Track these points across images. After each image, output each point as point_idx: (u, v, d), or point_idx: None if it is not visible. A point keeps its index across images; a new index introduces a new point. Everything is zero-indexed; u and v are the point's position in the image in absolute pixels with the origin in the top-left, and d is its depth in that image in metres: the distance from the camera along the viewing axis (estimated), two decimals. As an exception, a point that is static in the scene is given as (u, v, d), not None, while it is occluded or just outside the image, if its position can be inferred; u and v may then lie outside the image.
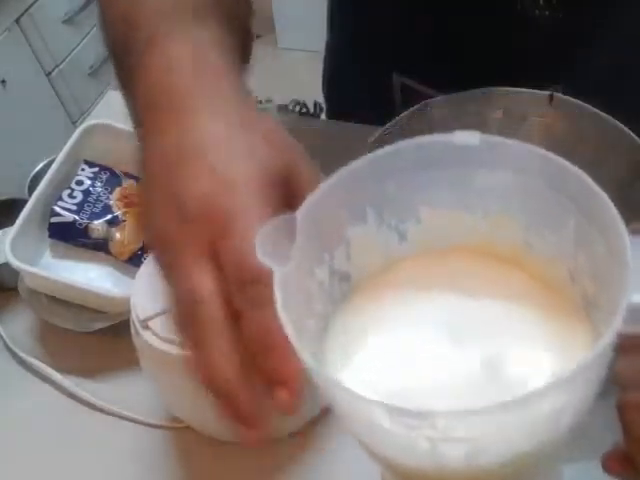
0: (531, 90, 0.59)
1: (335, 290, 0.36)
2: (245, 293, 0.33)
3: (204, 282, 0.33)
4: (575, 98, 0.58)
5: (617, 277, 0.28)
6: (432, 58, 0.67)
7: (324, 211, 0.33)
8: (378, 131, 0.59)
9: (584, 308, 0.34)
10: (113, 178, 0.66)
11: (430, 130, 0.64)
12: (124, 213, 0.64)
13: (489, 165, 0.33)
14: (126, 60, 0.43)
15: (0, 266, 0.62)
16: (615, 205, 0.62)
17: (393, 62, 0.73)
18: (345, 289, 0.37)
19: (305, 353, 0.28)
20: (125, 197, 0.65)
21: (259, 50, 2.63)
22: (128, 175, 0.67)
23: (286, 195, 0.37)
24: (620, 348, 0.28)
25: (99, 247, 0.63)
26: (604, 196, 0.31)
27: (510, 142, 0.33)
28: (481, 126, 0.62)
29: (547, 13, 0.62)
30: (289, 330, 0.28)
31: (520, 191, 0.34)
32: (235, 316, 0.33)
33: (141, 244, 0.62)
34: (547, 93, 0.59)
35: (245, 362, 0.33)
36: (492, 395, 0.28)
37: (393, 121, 0.59)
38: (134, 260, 0.63)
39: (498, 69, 0.59)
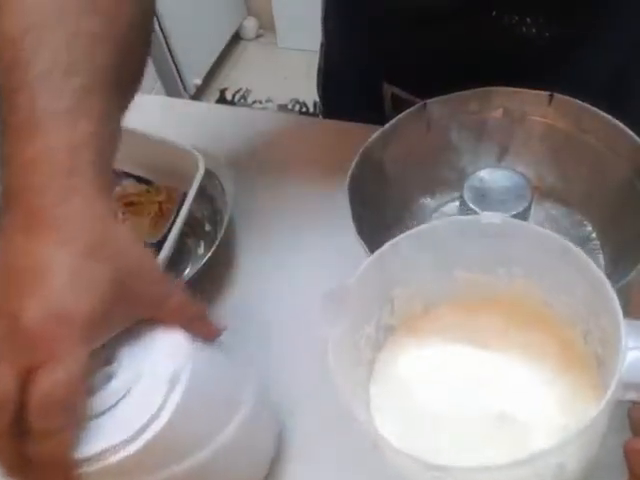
0: (531, 90, 0.60)
1: (380, 338, 0.43)
2: (41, 422, 0.35)
3: (7, 390, 0.35)
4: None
5: (615, 351, 0.32)
6: (423, 71, 0.67)
7: (372, 279, 0.39)
8: (377, 131, 0.59)
9: (596, 367, 0.38)
10: (113, 178, 0.66)
11: (428, 130, 0.64)
12: (124, 213, 0.64)
13: (510, 239, 0.39)
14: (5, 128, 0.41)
15: None
16: (615, 205, 0.63)
17: (384, 72, 0.74)
18: (388, 334, 0.43)
19: (358, 411, 0.34)
20: (124, 197, 0.65)
21: (259, 50, 2.63)
22: (128, 175, 0.67)
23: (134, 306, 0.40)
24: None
25: (99, 247, 0.63)
26: (604, 278, 0.35)
27: (524, 224, 0.39)
28: (481, 126, 0.62)
29: (534, 31, 0.62)
30: (344, 393, 0.34)
31: (537, 260, 0.39)
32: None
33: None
34: (547, 93, 0.59)
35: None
36: (506, 447, 0.33)
37: (392, 121, 0.59)
38: (134, 260, 0.62)
39: (492, 80, 0.59)
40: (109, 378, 0.39)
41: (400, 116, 0.60)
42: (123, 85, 0.45)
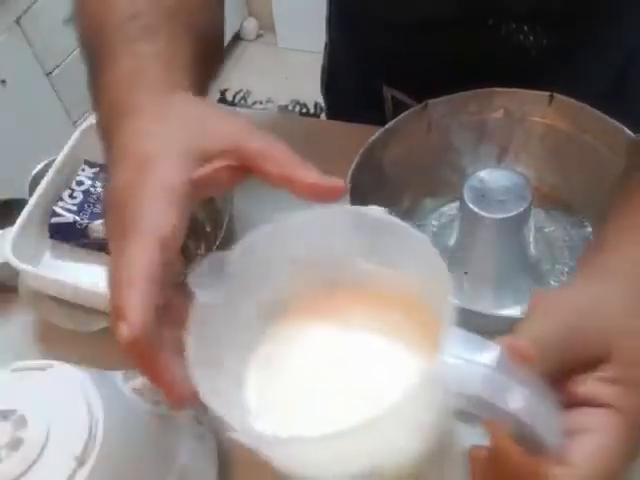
0: (531, 90, 0.60)
1: (260, 322, 0.41)
2: None
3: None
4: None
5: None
6: (423, 75, 0.68)
7: (254, 254, 0.38)
8: (378, 131, 0.59)
9: None
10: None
11: (429, 130, 0.64)
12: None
13: (395, 236, 0.38)
14: (94, 72, 0.48)
15: (0, 266, 0.62)
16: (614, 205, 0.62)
17: (385, 76, 0.74)
18: (269, 319, 0.41)
19: (220, 410, 0.32)
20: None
21: (259, 50, 2.62)
22: (128, 175, 0.67)
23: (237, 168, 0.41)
24: None
25: (99, 247, 0.63)
26: (449, 287, 0.34)
27: (403, 225, 0.37)
28: (481, 126, 0.62)
29: (532, 39, 0.62)
30: (198, 381, 0.32)
31: (414, 256, 0.37)
32: None
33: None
34: (547, 94, 0.59)
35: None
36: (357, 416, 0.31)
37: (393, 121, 0.59)
38: (134, 260, 0.62)
39: (492, 84, 0.59)
40: (19, 443, 0.38)
41: (401, 116, 0.60)
42: (204, 54, 0.49)
